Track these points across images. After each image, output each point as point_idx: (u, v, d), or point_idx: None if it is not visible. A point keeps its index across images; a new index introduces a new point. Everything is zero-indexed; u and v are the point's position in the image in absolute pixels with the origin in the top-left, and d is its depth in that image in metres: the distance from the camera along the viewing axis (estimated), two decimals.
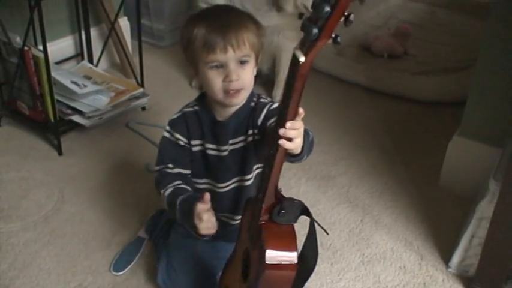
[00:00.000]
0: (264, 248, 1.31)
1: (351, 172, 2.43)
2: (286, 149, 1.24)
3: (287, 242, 1.34)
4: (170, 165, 1.63)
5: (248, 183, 1.69)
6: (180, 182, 1.60)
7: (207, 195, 1.41)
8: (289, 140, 1.22)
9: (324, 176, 2.39)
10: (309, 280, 1.88)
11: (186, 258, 1.74)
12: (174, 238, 1.81)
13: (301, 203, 1.36)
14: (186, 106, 1.67)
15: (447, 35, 3.70)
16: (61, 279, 1.88)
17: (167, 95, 2.91)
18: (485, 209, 1.82)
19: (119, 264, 1.93)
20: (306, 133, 1.31)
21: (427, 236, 2.11)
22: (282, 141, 1.21)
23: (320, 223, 1.40)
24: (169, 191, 1.58)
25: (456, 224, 2.09)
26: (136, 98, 2.68)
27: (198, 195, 1.48)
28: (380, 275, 1.95)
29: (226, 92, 1.51)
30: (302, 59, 1.10)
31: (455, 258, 1.95)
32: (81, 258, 1.96)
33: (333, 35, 1.08)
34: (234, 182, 1.69)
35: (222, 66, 1.49)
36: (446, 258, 2.00)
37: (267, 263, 1.31)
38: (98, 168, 2.39)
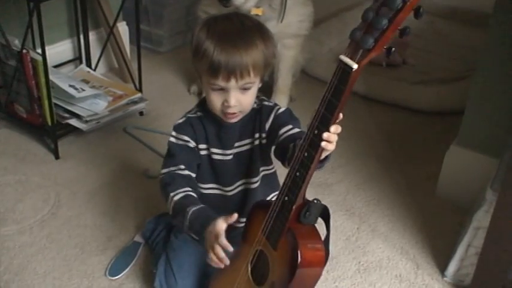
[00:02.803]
0: (297, 248, 1.33)
1: (348, 180, 2.43)
2: (322, 152, 1.27)
3: (315, 241, 1.38)
4: (182, 167, 1.60)
5: (254, 186, 1.70)
6: (190, 188, 1.56)
7: (235, 216, 1.40)
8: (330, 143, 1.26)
9: (321, 183, 2.39)
10: None
11: (185, 262, 1.73)
12: (174, 242, 1.80)
13: (323, 204, 1.38)
14: (189, 112, 1.67)
15: (446, 45, 3.71)
16: (56, 283, 1.87)
17: (165, 100, 2.91)
18: (482, 218, 1.82)
19: (114, 268, 1.92)
20: None
21: (423, 244, 2.11)
22: (324, 144, 1.24)
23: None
24: (179, 196, 1.54)
25: (452, 233, 2.09)
26: (134, 102, 2.68)
27: (210, 214, 1.46)
28: (376, 283, 1.95)
29: (224, 112, 1.54)
30: (355, 66, 1.16)
31: (451, 268, 1.95)
32: (77, 262, 1.96)
33: (385, 47, 1.15)
34: (240, 185, 1.70)
35: (223, 89, 1.51)
36: (442, 267, 2.00)
37: (301, 260, 1.33)
38: (94, 172, 2.38)
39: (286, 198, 1.34)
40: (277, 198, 1.37)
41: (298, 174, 1.31)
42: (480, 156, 2.17)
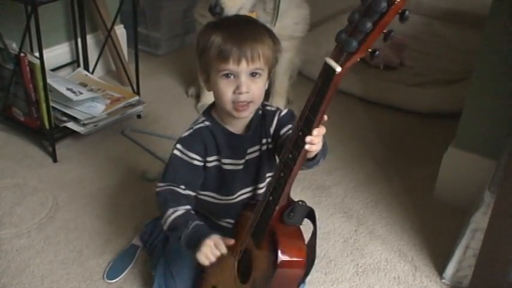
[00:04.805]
0: (277, 248, 1.34)
1: (345, 182, 2.43)
2: (306, 153, 1.27)
3: (297, 242, 1.39)
4: (182, 187, 1.58)
5: (261, 191, 1.70)
6: (190, 207, 1.56)
7: (232, 241, 1.44)
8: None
9: (319, 186, 2.39)
10: None
11: (185, 265, 1.73)
12: (173, 245, 1.80)
13: (308, 206, 1.39)
14: (195, 123, 1.63)
15: (443, 46, 3.71)
16: (54, 287, 1.87)
17: (163, 103, 2.91)
18: (480, 220, 1.82)
19: (112, 272, 1.92)
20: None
21: (421, 247, 2.12)
22: (308, 146, 1.24)
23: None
24: (180, 212, 1.53)
25: (450, 235, 2.09)
26: (132, 105, 2.67)
27: (210, 230, 1.49)
28: (374, 286, 1.95)
29: (235, 103, 1.52)
30: (338, 69, 1.14)
31: (449, 270, 1.95)
32: (74, 265, 1.96)
33: (370, 50, 1.12)
34: (247, 192, 1.70)
35: (234, 76, 1.50)
36: (440, 269, 2.00)
37: (281, 260, 1.34)
38: (92, 175, 2.38)
39: (270, 198, 1.35)
40: (262, 198, 1.38)
41: (282, 174, 1.31)
42: (478, 158, 2.17)
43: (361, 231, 2.18)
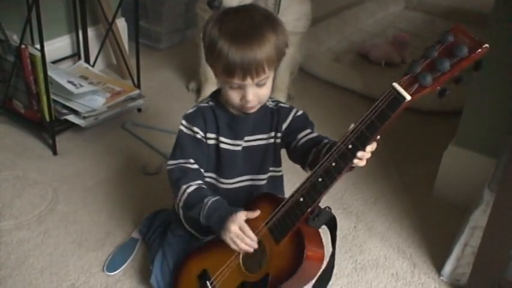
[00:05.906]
0: (304, 244, 1.39)
1: (345, 179, 2.41)
2: (350, 167, 1.33)
3: (318, 240, 1.45)
4: (191, 161, 1.60)
5: (261, 183, 1.71)
6: (202, 182, 1.59)
7: (257, 213, 1.48)
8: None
9: None
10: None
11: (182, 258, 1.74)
12: (170, 238, 1.81)
13: (332, 214, 1.44)
14: (200, 102, 1.68)
15: None
16: (54, 279, 1.87)
17: (163, 97, 2.91)
18: (479, 218, 1.82)
19: (112, 264, 1.93)
20: None
21: (419, 244, 2.12)
22: (357, 161, 1.31)
23: None
24: (193, 188, 1.55)
25: (449, 233, 2.09)
26: (132, 99, 2.67)
27: (228, 206, 1.52)
28: (372, 282, 1.95)
29: (243, 106, 1.55)
30: (408, 98, 1.21)
31: (448, 267, 1.95)
32: (74, 258, 1.96)
33: (439, 88, 1.21)
34: (245, 180, 1.71)
35: (240, 87, 1.51)
36: (438, 266, 2.01)
37: (306, 256, 1.39)
38: (92, 168, 2.38)
39: (301, 199, 1.38)
40: (290, 197, 1.41)
41: (320, 180, 1.35)
42: (478, 156, 2.17)
43: (360, 228, 2.18)
